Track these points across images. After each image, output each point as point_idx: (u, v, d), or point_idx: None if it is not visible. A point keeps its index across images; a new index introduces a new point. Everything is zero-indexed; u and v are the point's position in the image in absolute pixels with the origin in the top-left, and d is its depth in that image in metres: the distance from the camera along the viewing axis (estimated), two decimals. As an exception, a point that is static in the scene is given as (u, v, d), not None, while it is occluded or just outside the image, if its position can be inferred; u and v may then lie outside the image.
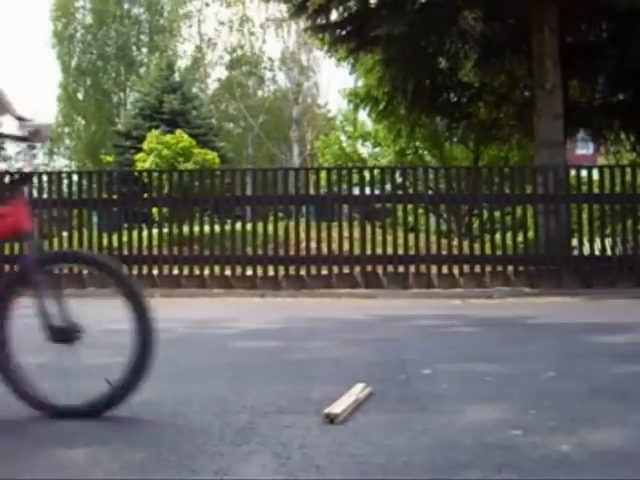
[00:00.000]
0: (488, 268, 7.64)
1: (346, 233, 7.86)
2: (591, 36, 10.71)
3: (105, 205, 8.23)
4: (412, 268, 7.69)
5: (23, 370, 2.31)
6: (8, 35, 53.58)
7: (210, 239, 7.98)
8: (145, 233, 8.07)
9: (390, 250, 7.81)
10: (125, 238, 8.16)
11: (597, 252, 7.97)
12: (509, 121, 11.08)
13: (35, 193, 8.39)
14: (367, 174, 8.12)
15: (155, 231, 8.39)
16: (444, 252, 7.94)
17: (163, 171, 9.59)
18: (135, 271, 7.88)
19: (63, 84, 34.86)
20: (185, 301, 6.98)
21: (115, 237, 8.08)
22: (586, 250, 8.09)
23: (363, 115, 16.34)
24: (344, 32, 9.90)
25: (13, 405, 2.40)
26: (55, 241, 8.09)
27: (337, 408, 2.14)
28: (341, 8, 9.94)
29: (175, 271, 7.82)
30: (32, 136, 2.33)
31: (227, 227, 8.13)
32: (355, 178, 8.31)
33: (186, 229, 8.04)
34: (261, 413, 2.23)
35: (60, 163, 35.51)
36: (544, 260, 7.70)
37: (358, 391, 2.37)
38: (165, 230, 8.31)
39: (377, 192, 8.03)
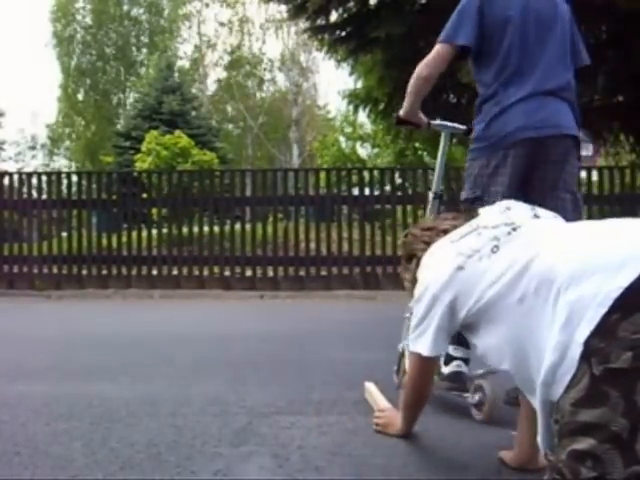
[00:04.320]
0: (487, 269, 7.64)
1: (345, 234, 7.86)
2: (590, 37, 10.72)
3: (104, 206, 8.24)
4: (411, 269, 7.68)
5: None
6: (8, 35, 53.58)
7: (209, 240, 7.98)
8: (144, 234, 8.07)
9: (389, 251, 7.81)
10: (124, 239, 8.16)
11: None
12: (508, 122, 11.09)
13: (35, 193, 8.41)
14: (366, 175, 8.13)
15: (154, 232, 8.39)
16: (443, 253, 7.94)
17: (162, 172, 9.59)
18: (134, 271, 7.89)
19: (63, 85, 34.88)
20: (184, 302, 6.98)
21: (114, 238, 8.08)
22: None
23: (362, 116, 16.36)
24: (344, 33, 9.89)
25: (12, 405, 2.40)
26: (55, 241, 8.10)
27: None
28: (341, 9, 9.94)
29: (174, 272, 7.81)
30: None
31: (226, 228, 8.13)
32: (354, 179, 8.31)
33: (185, 230, 8.04)
34: (260, 414, 2.23)
35: (60, 164, 35.53)
36: (543, 261, 7.70)
37: (376, 389, 2.37)
38: (164, 231, 8.31)
39: (376, 193, 8.04)
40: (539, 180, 2.32)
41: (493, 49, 2.36)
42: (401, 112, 2.57)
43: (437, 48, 2.36)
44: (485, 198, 2.26)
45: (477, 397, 2.15)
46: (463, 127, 2.73)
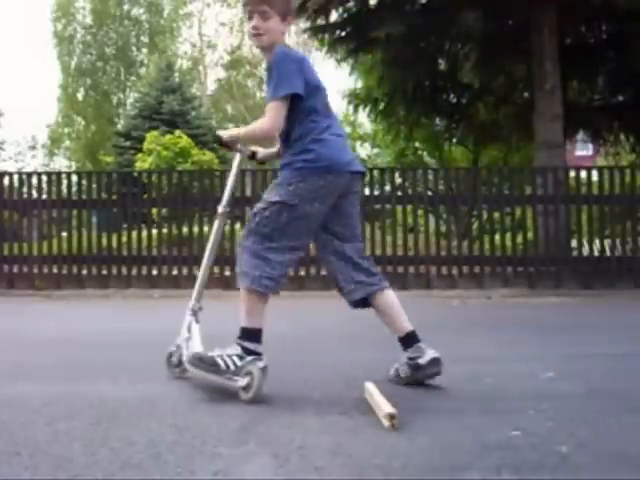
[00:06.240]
0: (487, 269, 7.64)
1: (345, 234, 7.85)
2: (590, 37, 10.73)
3: (105, 205, 8.24)
4: (411, 269, 7.69)
5: None
6: (8, 35, 53.60)
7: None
8: (144, 234, 8.08)
9: (389, 251, 7.81)
10: (124, 239, 8.16)
11: (596, 253, 7.98)
12: (508, 122, 11.09)
13: (35, 193, 8.41)
14: (367, 175, 8.12)
15: (154, 232, 8.39)
16: (443, 253, 7.95)
17: (162, 171, 9.59)
18: (134, 271, 7.89)
19: (63, 84, 34.90)
20: (184, 302, 6.97)
21: (114, 238, 8.08)
22: (585, 251, 8.09)
23: (362, 116, 16.35)
24: (344, 33, 9.90)
25: (12, 405, 2.40)
26: (55, 241, 8.09)
27: (388, 408, 2.11)
28: (341, 9, 9.95)
29: (174, 272, 7.82)
30: None
31: (226, 228, 8.13)
32: (354, 179, 8.31)
33: (185, 230, 8.04)
34: (260, 414, 2.23)
35: (60, 164, 35.53)
36: (543, 261, 7.70)
37: (376, 388, 2.36)
38: (164, 231, 8.31)
39: (377, 193, 8.04)
40: (345, 208, 2.69)
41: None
42: (225, 136, 2.75)
43: (276, 107, 2.55)
44: (295, 213, 2.56)
45: (246, 381, 2.42)
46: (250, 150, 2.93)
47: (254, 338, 2.53)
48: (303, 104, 2.59)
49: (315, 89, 2.63)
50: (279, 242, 2.56)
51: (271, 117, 2.54)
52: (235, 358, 2.50)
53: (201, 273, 3.01)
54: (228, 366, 2.50)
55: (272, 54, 2.62)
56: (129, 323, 5.21)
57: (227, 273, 7.77)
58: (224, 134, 2.75)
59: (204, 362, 2.61)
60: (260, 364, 2.45)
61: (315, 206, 2.57)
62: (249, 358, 2.47)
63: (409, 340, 2.68)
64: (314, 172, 2.56)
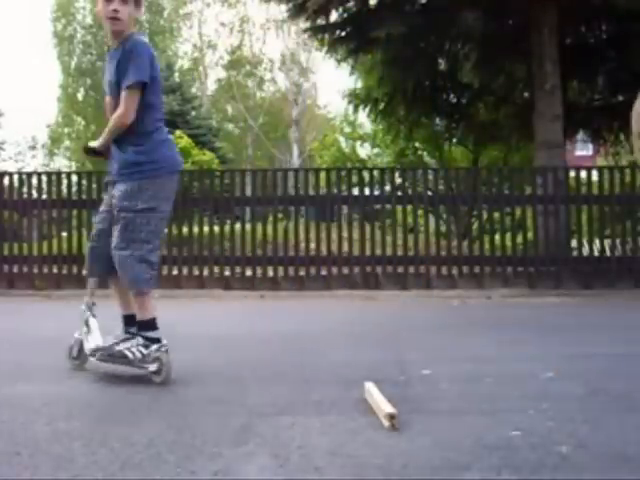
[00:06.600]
0: (487, 269, 7.63)
1: (345, 234, 7.86)
2: (590, 37, 10.72)
3: (105, 205, 8.23)
4: (411, 269, 7.68)
5: None
6: (8, 35, 53.59)
7: (210, 239, 7.97)
8: (144, 234, 8.05)
9: (389, 251, 7.80)
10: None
11: (596, 253, 7.97)
12: (508, 122, 11.08)
13: (35, 193, 8.41)
14: (367, 175, 8.12)
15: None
16: (443, 253, 7.94)
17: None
18: (134, 272, 7.88)
19: (63, 84, 34.88)
20: (184, 301, 6.98)
21: (114, 237, 8.07)
22: (585, 251, 8.09)
23: (362, 116, 16.35)
24: (344, 33, 9.89)
25: (12, 405, 2.40)
26: (55, 241, 8.09)
27: (389, 408, 2.11)
28: (341, 9, 9.94)
29: (175, 271, 7.81)
30: None
31: (226, 228, 8.13)
32: (354, 179, 8.31)
33: (185, 230, 8.03)
34: (260, 414, 2.24)
35: (60, 164, 35.51)
36: (543, 261, 7.69)
37: (376, 389, 2.36)
38: (165, 230, 8.30)
39: (377, 193, 8.03)
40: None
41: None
42: (96, 145, 2.97)
43: (135, 95, 2.78)
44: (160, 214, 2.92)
45: (155, 366, 2.72)
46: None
47: (151, 327, 2.81)
48: (146, 98, 2.80)
49: (158, 85, 2.87)
50: (154, 243, 2.89)
51: (130, 105, 2.78)
52: (141, 348, 2.76)
53: None
54: (136, 356, 2.76)
55: (127, 41, 2.79)
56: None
57: (227, 273, 7.77)
58: (95, 144, 2.96)
59: (114, 356, 2.84)
60: (164, 349, 2.74)
61: (170, 204, 2.93)
62: (154, 346, 2.74)
63: (133, 320, 2.93)
64: (165, 174, 2.88)
